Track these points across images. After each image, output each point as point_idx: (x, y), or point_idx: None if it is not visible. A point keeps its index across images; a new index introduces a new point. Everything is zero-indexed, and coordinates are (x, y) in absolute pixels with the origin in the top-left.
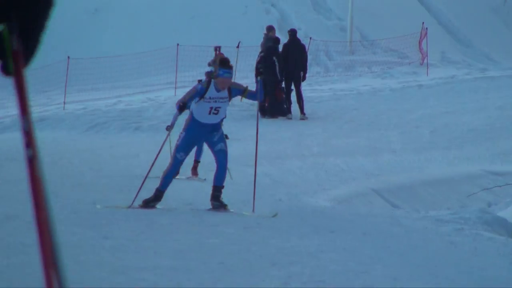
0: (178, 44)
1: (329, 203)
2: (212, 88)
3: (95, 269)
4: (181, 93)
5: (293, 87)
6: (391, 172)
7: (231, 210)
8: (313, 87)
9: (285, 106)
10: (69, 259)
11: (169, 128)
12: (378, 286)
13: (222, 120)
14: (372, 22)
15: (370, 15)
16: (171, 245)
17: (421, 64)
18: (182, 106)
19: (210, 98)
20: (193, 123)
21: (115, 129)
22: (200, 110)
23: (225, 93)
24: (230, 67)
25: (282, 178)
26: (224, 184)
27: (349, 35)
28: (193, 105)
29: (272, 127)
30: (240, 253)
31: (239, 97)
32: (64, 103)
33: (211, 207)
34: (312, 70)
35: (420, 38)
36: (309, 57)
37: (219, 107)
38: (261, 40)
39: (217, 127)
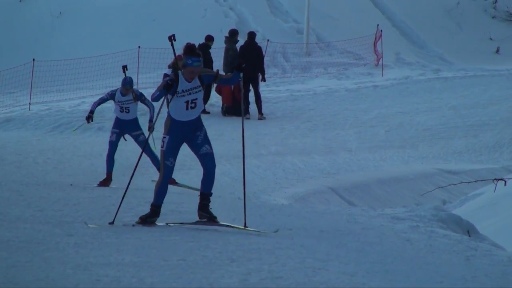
0: (139, 47)
1: (286, 201)
2: (182, 80)
3: (60, 266)
4: None
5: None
6: (348, 170)
7: (222, 223)
8: (270, 88)
9: (243, 106)
10: (34, 255)
11: (151, 126)
12: (335, 282)
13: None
14: (328, 25)
15: (326, 17)
16: (133, 242)
17: (376, 65)
18: (171, 82)
19: (183, 91)
20: (173, 125)
21: (79, 129)
22: (176, 108)
23: (196, 82)
24: (198, 55)
25: (240, 176)
26: (213, 191)
27: (305, 37)
28: (170, 106)
29: (231, 126)
30: (200, 250)
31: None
32: (30, 104)
33: (198, 218)
34: (269, 71)
35: (375, 40)
36: (267, 59)
37: (196, 99)
38: (222, 43)
39: (199, 124)
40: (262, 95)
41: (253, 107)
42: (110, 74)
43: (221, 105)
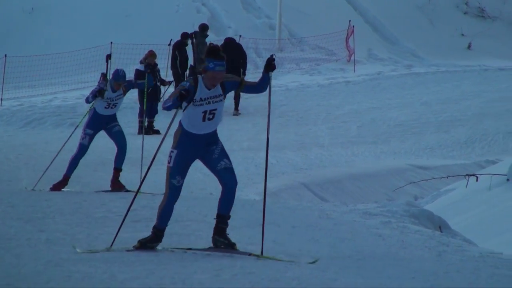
0: (111, 42)
1: (258, 196)
2: (201, 86)
3: (32, 262)
4: None
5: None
6: (320, 166)
7: (242, 251)
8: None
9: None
10: (5, 252)
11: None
12: (307, 278)
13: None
14: (300, 20)
15: (298, 13)
16: (104, 238)
17: (348, 61)
18: (185, 93)
19: (201, 99)
20: (184, 137)
21: (51, 125)
22: (191, 119)
23: (218, 90)
24: (222, 58)
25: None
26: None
27: (277, 33)
28: (183, 114)
29: None
30: (172, 246)
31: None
32: (1, 99)
33: (211, 244)
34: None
35: (347, 35)
36: None
37: (215, 110)
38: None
39: (214, 138)
40: None
41: (227, 102)
42: (83, 69)
43: None
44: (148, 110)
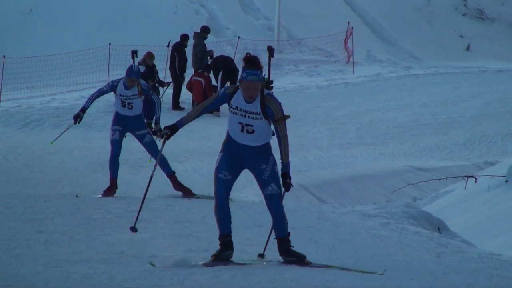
0: (110, 44)
1: (257, 198)
2: (239, 95)
3: (30, 263)
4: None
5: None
6: (318, 167)
7: (309, 261)
8: None
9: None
10: (4, 252)
11: (157, 128)
12: (306, 279)
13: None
14: (299, 22)
15: (297, 14)
16: (103, 238)
17: (347, 62)
18: (170, 133)
19: (237, 108)
20: (229, 142)
21: (49, 126)
22: (231, 125)
23: (257, 107)
24: (258, 68)
25: (211, 174)
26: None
27: (276, 35)
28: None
29: (201, 124)
30: (171, 247)
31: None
32: (0, 101)
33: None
34: (241, 68)
35: (346, 37)
36: (238, 56)
37: (251, 125)
38: (193, 40)
39: (263, 154)
40: None
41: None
42: (81, 71)
43: (191, 102)
44: (146, 112)
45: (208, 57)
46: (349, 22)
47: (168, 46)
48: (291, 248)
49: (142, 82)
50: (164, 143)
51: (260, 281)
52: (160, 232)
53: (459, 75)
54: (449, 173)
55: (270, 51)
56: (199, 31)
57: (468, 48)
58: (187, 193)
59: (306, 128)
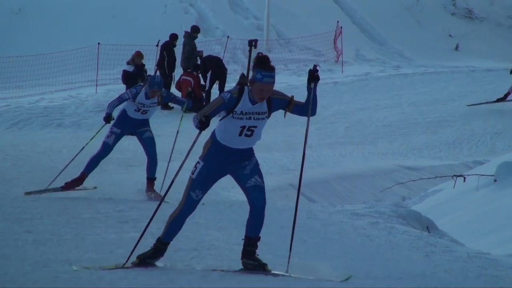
0: (99, 43)
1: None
2: (245, 99)
3: (19, 263)
4: (102, 91)
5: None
6: (308, 167)
7: (275, 272)
8: (230, 84)
9: (203, 103)
10: None
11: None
12: (294, 278)
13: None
14: (288, 21)
15: (286, 14)
16: (92, 238)
17: (336, 61)
18: (205, 121)
19: (242, 113)
20: (214, 150)
21: (38, 126)
22: (227, 130)
23: (263, 106)
24: (272, 69)
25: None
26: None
27: (265, 34)
28: (218, 124)
29: (191, 123)
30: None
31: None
32: None
33: (242, 266)
34: (230, 68)
35: (335, 36)
36: (227, 55)
37: (254, 127)
38: (182, 39)
39: (249, 154)
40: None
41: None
42: (70, 70)
43: None
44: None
45: (198, 57)
46: (338, 21)
47: (157, 45)
48: (256, 253)
49: (162, 89)
50: (200, 133)
51: (250, 280)
52: (149, 232)
53: (448, 75)
54: (438, 172)
55: (251, 45)
56: (189, 30)
57: (457, 48)
58: (156, 198)
59: (295, 127)
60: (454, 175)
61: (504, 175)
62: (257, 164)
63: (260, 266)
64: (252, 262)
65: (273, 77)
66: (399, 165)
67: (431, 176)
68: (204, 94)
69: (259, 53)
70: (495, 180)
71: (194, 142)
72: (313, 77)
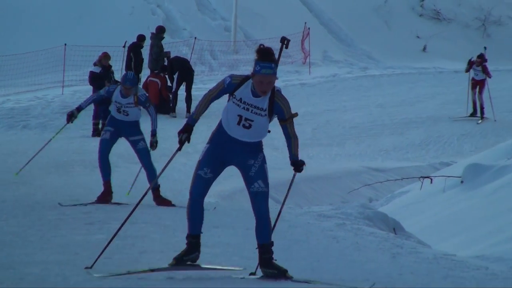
0: (65, 44)
1: (213, 199)
2: (247, 87)
3: None
4: (68, 92)
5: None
6: (274, 168)
7: (292, 277)
8: (198, 85)
9: (170, 105)
10: None
11: (153, 141)
12: (261, 280)
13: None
14: (256, 22)
15: (254, 15)
16: (57, 240)
17: (304, 63)
18: (184, 140)
19: (240, 100)
20: (218, 134)
21: (3, 127)
22: (228, 114)
23: (264, 103)
24: (272, 60)
25: (167, 174)
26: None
27: (233, 35)
28: (224, 108)
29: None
30: (125, 249)
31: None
32: None
33: (262, 274)
34: (197, 69)
35: (303, 37)
36: (194, 57)
37: (251, 121)
38: (150, 41)
39: (254, 151)
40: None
41: (180, 105)
42: (36, 71)
43: None
44: (102, 113)
45: (165, 58)
46: (306, 22)
47: (124, 46)
48: (274, 260)
49: (141, 92)
50: (180, 148)
51: (215, 282)
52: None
53: (416, 76)
54: (405, 174)
55: (283, 43)
56: (154, 31)
57: (424, 49)
58: (167, 204)
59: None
60: (421, 177)
61: (471, 176)
62: (263, 163)
63: (281, 272)
64: (271, 271)
65: (272, 68)
66: (366, 167)
67: (398, 177)
68: (171, 96)
69: (260, 45)
70: (462, 182)
71: (172, 157)
72: (297, 170)
